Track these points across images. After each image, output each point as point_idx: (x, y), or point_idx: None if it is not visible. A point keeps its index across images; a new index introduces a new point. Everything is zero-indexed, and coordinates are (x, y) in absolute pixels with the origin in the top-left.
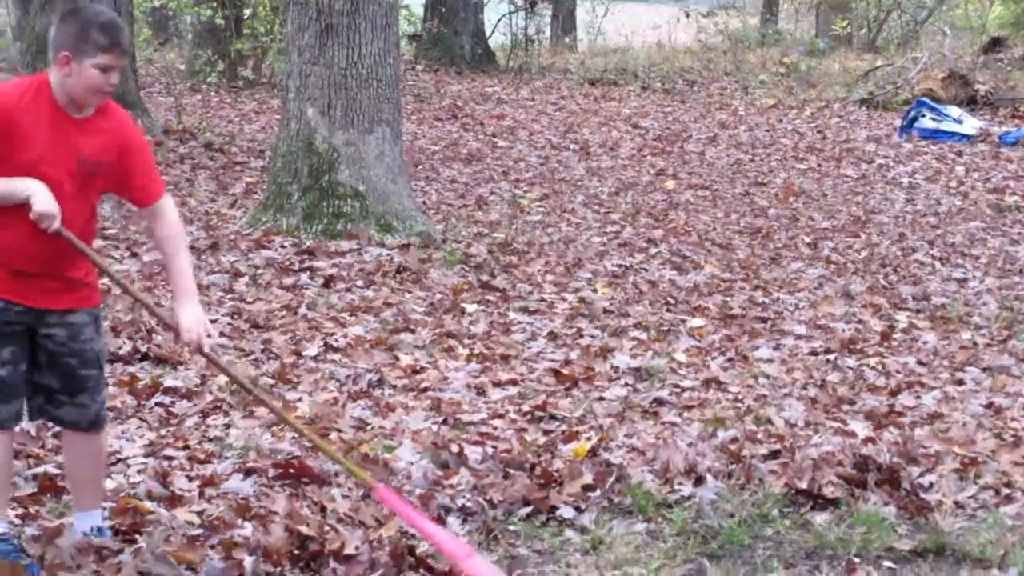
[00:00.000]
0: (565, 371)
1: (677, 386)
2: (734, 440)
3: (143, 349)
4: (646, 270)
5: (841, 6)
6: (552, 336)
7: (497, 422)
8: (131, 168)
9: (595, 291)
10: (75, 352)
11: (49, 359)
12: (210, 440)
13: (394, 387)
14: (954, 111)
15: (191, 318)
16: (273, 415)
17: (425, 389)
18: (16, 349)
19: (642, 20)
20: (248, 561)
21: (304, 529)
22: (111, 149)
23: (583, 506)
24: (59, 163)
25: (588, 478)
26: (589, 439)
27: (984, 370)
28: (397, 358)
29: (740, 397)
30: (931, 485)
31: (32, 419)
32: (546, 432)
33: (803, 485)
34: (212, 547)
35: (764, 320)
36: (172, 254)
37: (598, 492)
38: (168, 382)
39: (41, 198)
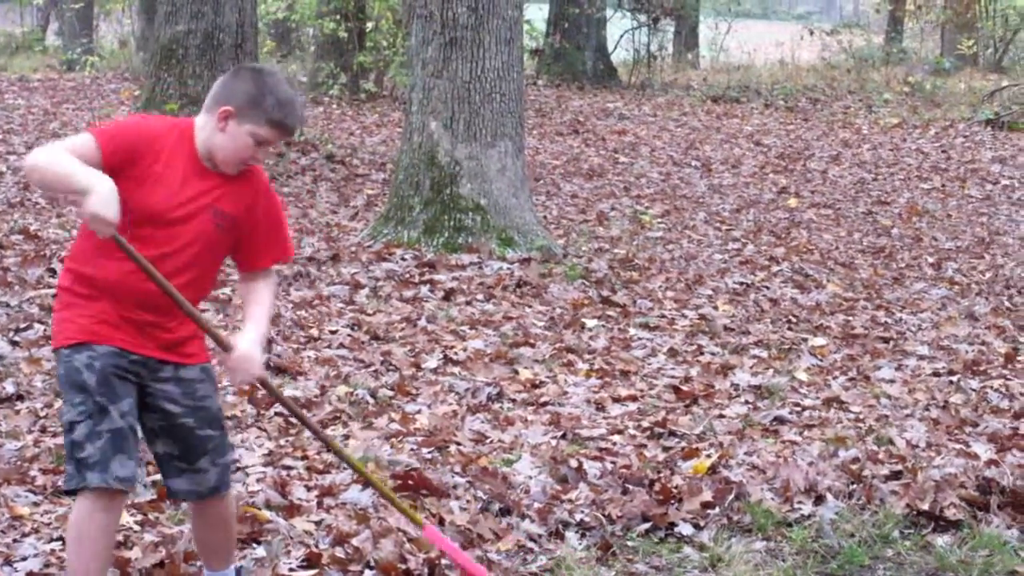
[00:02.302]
0: (685, 388)
1: (798, 405)
2: (855, 460)
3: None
4: (767, 288)
5: (967, 26)
6: (672, 352)
7: (616, 438)
8: (256, 227)
9: (716, 308)
10: (192, 410)
11: (164, 422)
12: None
13: (513, 401)
14: None
15: (248, 344)
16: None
17: (544, 403)
18: (132, 401)
19: (765, 37)
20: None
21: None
22: (243, 203)
23: (702, 523)
24: (191, 213)
25: (707, 495)
26: (709, 456)
27: None
28: (516, 372)
29: (861, 417)
30: None
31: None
32: (665, 448)
33: (925, 506)
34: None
35: (886, 340)
36: (252, 303)
37: (717, 509)
38: (287, 392)
39: (99, 196)
